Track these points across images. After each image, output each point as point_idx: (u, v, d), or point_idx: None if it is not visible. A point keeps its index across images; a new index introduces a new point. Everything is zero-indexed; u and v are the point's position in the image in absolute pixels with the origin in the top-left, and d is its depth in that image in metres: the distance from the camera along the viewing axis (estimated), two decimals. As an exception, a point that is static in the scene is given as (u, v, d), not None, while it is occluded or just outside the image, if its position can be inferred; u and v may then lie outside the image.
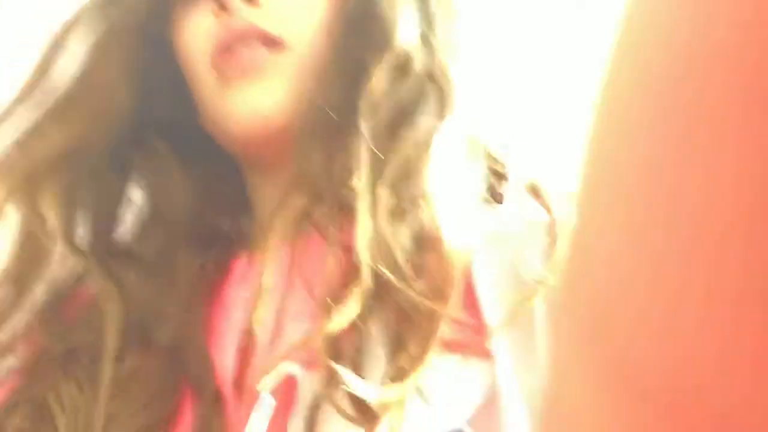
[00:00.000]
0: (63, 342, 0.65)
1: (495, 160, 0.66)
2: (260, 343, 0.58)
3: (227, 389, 0.60)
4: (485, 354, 0.57)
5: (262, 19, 0.65)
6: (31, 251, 0.66)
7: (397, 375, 0.54)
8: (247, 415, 0.56)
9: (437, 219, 0.58)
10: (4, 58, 1.18)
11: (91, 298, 0.67)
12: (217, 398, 0.60)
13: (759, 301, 0.20)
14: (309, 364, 0.56)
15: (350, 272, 0.56)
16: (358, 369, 0.54)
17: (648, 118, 0.22)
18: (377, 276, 0.56)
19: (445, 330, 0.55)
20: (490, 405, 0.56)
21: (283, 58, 0.65)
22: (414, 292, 0.55)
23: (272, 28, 0.65)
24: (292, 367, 0.56)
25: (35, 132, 0.67)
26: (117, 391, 0.61)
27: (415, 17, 0.66)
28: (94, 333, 0.63)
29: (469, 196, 0.62)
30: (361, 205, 0.58)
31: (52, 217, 0.65)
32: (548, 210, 0.61)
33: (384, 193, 0.59)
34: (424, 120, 0.63)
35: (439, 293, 0.56)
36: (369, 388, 0.53)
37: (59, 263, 0.67)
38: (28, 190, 0.66)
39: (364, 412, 0.53)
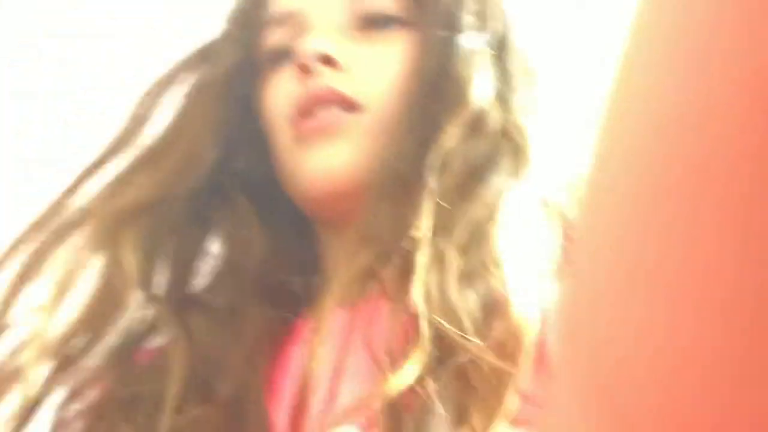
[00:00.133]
0: (128, 387, 0.66)
1: (572, 224, 0.65)
2: (315, 403, 0.58)
3: None
4: None
5: (341, 82, 0.68)
6: (108, 298, 0.68)
7: None
8: None
9: (507, 285, 0.58)
10: (4, 58, 1.19)
11: (161, 346, 0.68)
12: None
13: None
14: (367, 427, 0.55)
15: (413, 334, 0.56)
16: None
17: (651, 175, 0.23)
18: (441, 340, 0.55)
19: (511, 403, 0.54)
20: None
21: (358, 119, 0.68)
22: (480, 360, 0.55)
23: (351, 91, 0.68)
24: (349, 429, 0.56)
25: (122, 180, 0.70)
26: None
27: (491, 75, 0.68)
28: (159, 380, 0.64)
29: (543, 262, 0.61)
30: (420, 260, 0.58)
31: (131, 265, 0.67)
32: None
33: (453, 255, 0.59)
34: (498, 179, 0.64)
35: (507, 364, 0.55)
36: None
37: (134, 311, 0.69)
38: (110, 237, 0.68)
39: None
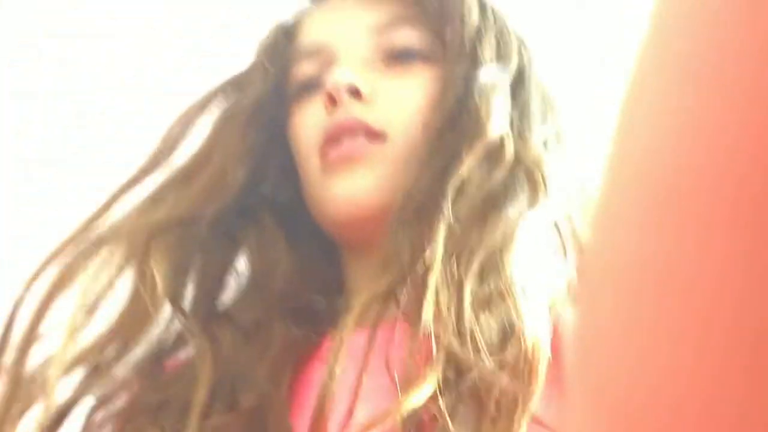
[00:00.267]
0: (157, 393, 0.70)
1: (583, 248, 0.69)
2: (334, 420, 0.61)
3: None
4: None
5: (367, 113, 0.72)
6: (139, 310, 0.71)
7: None
8: None
9: (521, 312, 0.61)
10: (4, 58, 1.20)
11: (188, 356, 0.72)
12: None
13: None
14: None
15: (429, 355, 0.59)
16: None
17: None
18: (455, 362, 0.59)
19: (522, 425, 0.57)
20: None
21: (382, 148, 0.72)
22: (491, 382, 0.58)
23: (375, 121, 0.72)
24: None
25: (154, 199, 0.75)
26: None
27: (509, 107, 0.72)
28: (186, 388, 0.68)
29: (556, 290, 0.65)
30: (432, 284, 0.62)
31: (161, 280, 0.71)
32: None
33: (470, 281, 0.62)
34: (514, 209, 0.67)
35: (519, 387, 0.58)
36: None
37: (164, 322, 0.73)
38: (141, 252, 0.72)
39: None
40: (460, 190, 0.67)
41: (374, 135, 0.72)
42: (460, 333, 0.60)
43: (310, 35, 0.79)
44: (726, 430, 0.22)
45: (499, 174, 0.68)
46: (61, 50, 1.22)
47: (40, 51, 1.21)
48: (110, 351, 0.72)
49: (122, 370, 0.72)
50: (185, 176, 0.75)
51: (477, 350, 0.59)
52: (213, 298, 0.76)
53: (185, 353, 0.74)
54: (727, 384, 0.22)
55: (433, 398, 0.58)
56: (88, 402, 0.71)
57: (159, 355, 0.73)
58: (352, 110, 0.72)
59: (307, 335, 0.72)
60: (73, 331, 0.69)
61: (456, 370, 0.59)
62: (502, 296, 0.62)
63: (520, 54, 0.75)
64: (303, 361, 0.71)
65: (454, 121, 0.70)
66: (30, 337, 0.69)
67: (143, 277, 0.72)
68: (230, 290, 0.77)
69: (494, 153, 0.69)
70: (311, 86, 0.77)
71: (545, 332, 0.61)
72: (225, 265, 0.77)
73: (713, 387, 0.22)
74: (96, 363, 0.71)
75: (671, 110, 0.24)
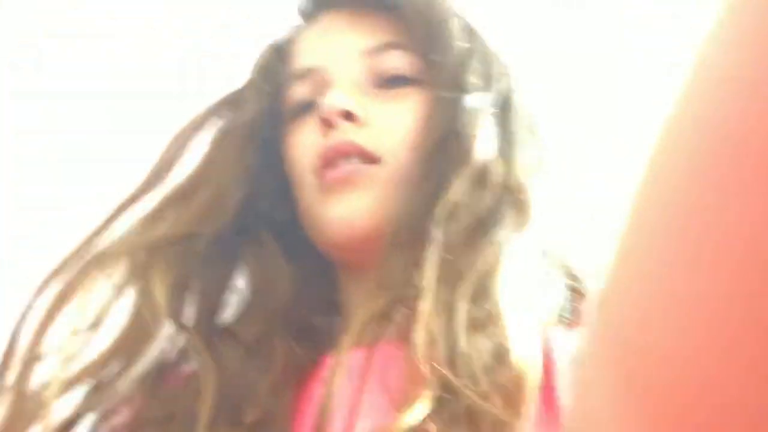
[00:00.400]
0: (162, 407, 0.72)
1: (574, 277, 0.72)
2: None
3: None
4: None
5: (361, 136, 0.74)
6: (140, 326, 0.73)
7: None
8: None
9: (510, 334, 0.63)
10: (4, 58, 1.20)
11: (192, 372, 0.74)
12: None
13: None
14: None
15: (423, 376, 0.62)
16: None
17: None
18: (448, 384, 0.61)
19: None
20: None
21: (377, 170, 0.74)
22: (488, 406, 0.60)
23: (369, 144, 0.74)
24: None
25: (153, 217, 0.76)
26: None
27: (495, 133, 0.74)
28: (191, 402, 0.70)
29: (546, 314, 0.68)
30: (423, 307, 0.64)
31: (162, 297, 0.73)
32: None
33: (461, 304, 0.65)
34: (501, 232, 0.69)
35: (510, 410, 0.60)
36: None
37: (166, 338, 0.75)
38: (142, 269, 0.74)
39: None
40: (450, 214, 0.69)
41: (369, 157, 0.74)
42: (454, 356, 0.62)
43: (304, 57, 0.81)
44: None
45: (487, 198, 0.71)
46: (61, 50, 1.22)
47: (40, 51, 1.22)
48: (112, 368, 0.73)
49: (124, 385, 0.73)
50: (184, 195, 0.77)
51: (470, 373, 0.61)
52: (213, 314, 0.78)
53: (186, 368, 0.75)
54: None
55: (429, 418, 0.60)
56: (90, 418, 0.73)
57: (160, 371, 0.75)
58: (346, 133, 0.74)
59: (308, 353, 0.74)
60: (74, 350, 0.71)
61: (450, 392, 0.61)
62: (492, 319, 0.64)
63: (504, 79, 0.78)
64: (303, 380, 0.73)
65: (443, 146, 0.73)
66: (32, 355, 0.70)
67: (145, 294, 0.73)
68: (230, 307, 0.79)
69: (482, 177, 0.71)
70: (306, 108, 0.79)
71: (536, 354, 0.63)
72: (225, 282, 0.79)
73: (747, 360, 0.23)
74: (97, 380, 0.73)
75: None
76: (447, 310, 0.65)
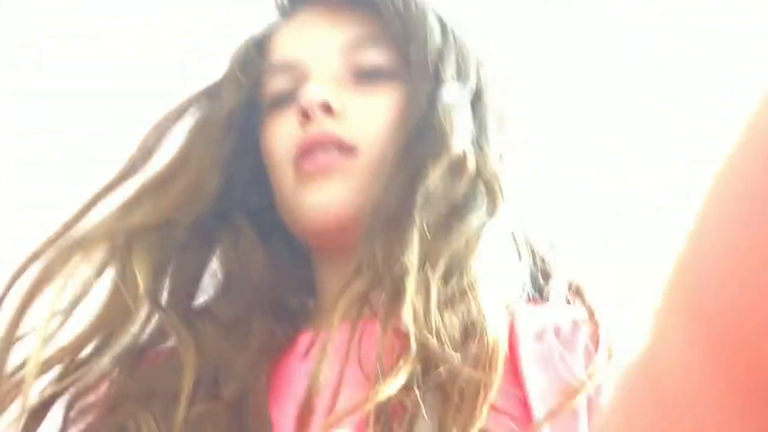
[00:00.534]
0: (143, 385, 0.74)
1: (541, 259, 0.76)
2: (318, 411, 0.66)
3: None
4: None
5: (339, 128, 0.77)
6: (119, 306, 0.76)
7: None
8: None
9: (483, 311, 0.67)
10: (4, 58, 1.20)
11: (170, 350, 0.77)
12: None
13: None
14: (360, 429, 0.64)
15: (400, 351, 0.65)
16: None
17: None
18: (425, 356, 0.64)
19: (486, 419, 0.63)
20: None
21: (354, 161, 0.76)
22: (457, 373, 0.63)
23: (347, 136, 0.77)
24: (343, 431, 0.63)
25: (132, 204, 0.79)
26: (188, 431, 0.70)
27: (469, 124, 0.77)
28: (171, 377, 0.72)
29: (514, 292, 0.72)
30: (409, 287, 0.67)
31: (143, 278, 0.76)
32: (591, 314, 0.71)
33: (436, 283, 0.68)
34: (475, 217, 0.72)
35: (482, 380, 0.64)
36: None
37: (145, 318, 0.77)
38: (121, 252, 0.76)
39: None
40: (427, 201, 0.72)
41: (346, 148, 0.76)
42: (429, 331, 0.65)
43: (283, 51, 0.83)
44: None
45: (462, 185, 0.74)
46: (61, 50, 1.23)
47: (40, 51, 1.22)
48: (90, 347, 0.75)
49: (102, 364, 0.75)
50: (162, 182, 0.80)
51: (442, 345, 0.65)
52: (190, 295, 0.81)
53: (164, 348, 0.78)
54: None
55: (405, 389, 0.63)
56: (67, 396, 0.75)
57: (140, 350, 0.77)
58: (324, 125, 0.77)
59: (284, 331, 0.77)
60: (52, 330, 0.73)
61: (426, 364, 0.64)
62: (464, 297, 0.68)
63: (478, 72, 0.80)
64: (279, 357, 0.75)
65: (419, 137, 0.75)
66: (10, 338, 0.72)
67: (124, 275, 0.76)
68: (205, 290, 0.81)
69: (457, 166, 0.74)
70: (284, 100, 0.81)
71: (503, 328, 0.67)
72: (202, 265, 0.82)
73: None
74: (77, 357, 0.75)
75: None
76: (426, 288, 0.67)
